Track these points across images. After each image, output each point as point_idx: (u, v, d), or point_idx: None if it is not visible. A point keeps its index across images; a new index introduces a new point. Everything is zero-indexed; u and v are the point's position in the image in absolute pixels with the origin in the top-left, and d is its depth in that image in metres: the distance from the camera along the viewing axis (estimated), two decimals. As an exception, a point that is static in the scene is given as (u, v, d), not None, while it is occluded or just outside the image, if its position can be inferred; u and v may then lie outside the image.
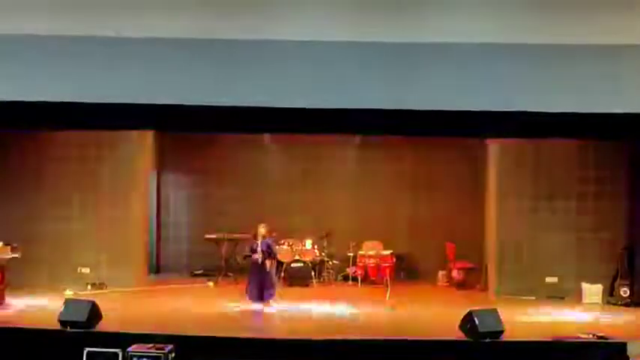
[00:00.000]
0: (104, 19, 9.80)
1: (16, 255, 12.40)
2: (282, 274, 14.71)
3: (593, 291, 13.43)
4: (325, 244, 15.42)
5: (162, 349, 9.10)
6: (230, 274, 15.05)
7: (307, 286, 14.64)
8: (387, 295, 13.42)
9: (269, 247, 12.46)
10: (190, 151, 16.21)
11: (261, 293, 12.30)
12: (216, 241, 15.27)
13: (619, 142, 13.41)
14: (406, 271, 15.75)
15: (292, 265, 14.81)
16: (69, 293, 12.83)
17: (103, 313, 10.33)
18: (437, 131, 12.67)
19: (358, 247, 15.28)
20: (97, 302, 10.39)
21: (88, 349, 9.27)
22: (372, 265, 14.98)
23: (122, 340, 9.38)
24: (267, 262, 12.35)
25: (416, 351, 9.61)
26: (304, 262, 14.87)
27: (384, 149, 15.88)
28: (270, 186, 16.08)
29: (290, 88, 9.94)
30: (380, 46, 9.76)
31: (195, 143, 15.85)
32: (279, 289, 13.09)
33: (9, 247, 12.31)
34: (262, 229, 12.50)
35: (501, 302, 12.12)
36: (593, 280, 13.53)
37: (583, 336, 10.04)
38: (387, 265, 14.89)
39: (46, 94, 9.97)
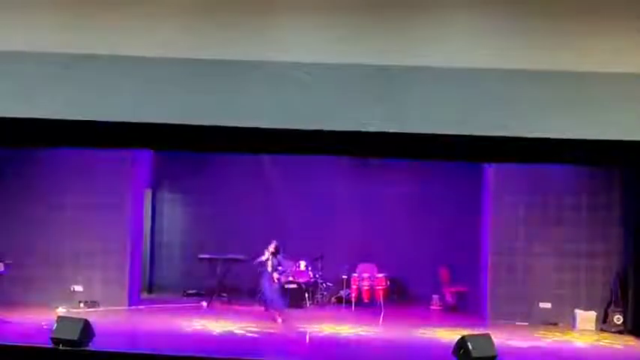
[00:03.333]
0: (101, 37, 9.84)
1: (9, 272, 12.37)
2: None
3: (586, 317, 13.43)
4: (319, 266, 15.40)
5: (153, 368, 9.09)
6: (224, 294, 15.02)
7: (301, 307, 14.61)
8: (381, 318, 13.40)
9: (279, 262, 13.48)
10: (186, 171, 16.22)
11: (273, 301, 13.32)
12: (210, 261, 15.23)
13: (613, 169, 13.48)
14: (400, 294, 15.73)
15: (286, 286, 14.78)
16: (61, 311, 12.79)
17: (95, 332, 10.29)
18: (432, 155, 12.71)
19: (352, 269, 15.26)
20: (90, 320, 10.35)
21: (79, 367, 9.25)
22: (365, 287, 14.95)
23: (114, 359, 9.34)
24: (275, 275, 13.33)
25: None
26: (298, 284, 14.85)
27: (379, 171, 15.89)
28: (264, 207, 16.07)
29: (285, 109, 9.97)
30: (376, 68, 9.80)
31: (191, 162, 15.86)
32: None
33: (2, 264, 12.27)
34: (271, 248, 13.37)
35: (494, 327, 12.11)
36: (586, 307, 13.55)
37: (575, 363, 10.04)
38: (380, 287, 14.86)
39: (42, 112, 9.98)
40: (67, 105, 9.98)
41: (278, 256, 13.39)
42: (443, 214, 15.75)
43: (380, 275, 15.06)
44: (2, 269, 12.40)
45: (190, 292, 15.66)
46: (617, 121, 9.84)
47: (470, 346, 9.72)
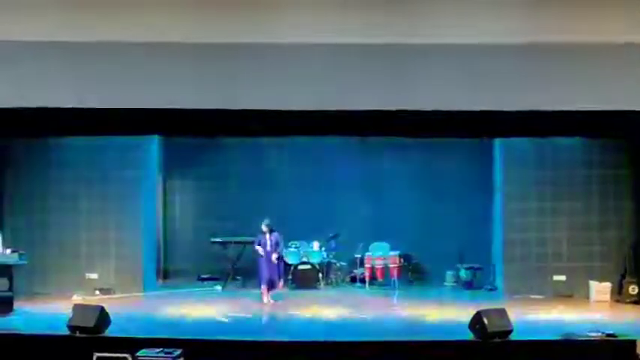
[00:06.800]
0: (107, 24, 9.83)
1: (24, 261, 12.43)
2: (290, 277, 14.72)
3: (601, 289, 13.41)
4: (333, 245, 15.40)
5: (170, 353, 9.11)
6: (238, 277, 15.05)
7: (314, 288, 14.63)
8: (395, 296, 13.42)
9: (277, 242, 13.28)
10: (196, 156, 16.19)
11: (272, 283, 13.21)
12: (223, 245, 15.26)
13: (623, 141, 13.41)
14: (414, 272, 15.71)
15: (299, 267, 14.80)
16: (77, 299, 12.86)
17: (111, 318, 10.36)
18: (442, 132, 12.69)
19: (365, 248, 15.25)
20: (105, 307, 10.41)
21: (97, 354, 9.31)
22: (379, 266, 14.93)
23: (131, 344, 9.40)
24: (274, 256, 13.17)
25: (425, 352, 9.59)
26: (311, 265, 14.86)
27: (391, 150, 15.84)
28: (276, 188, 16.04)
29: (295, 90, 9.96)
30: (382, 47, 9.76)
31: (201, 147, 15.84)
32: (285, 291, 13.47)
33: (17, 254, 12.33)
34: (264, 227, 13.24)
35: (509, 302, 12.11)
36: (601, 278, 13.51)
37: (592, 334, 10.01)
38: (394, 266, 14.84)
39: (51, 101, 10.00)
40: (75, 94, 10.00)
41: (274, 234, 13.26)
42: (455, 190, 15.69)
43: (393, 254, 15.02)
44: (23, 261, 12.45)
45: (205, 276, 15.69)
46: (628, 93, 9.79)
47: (486, 321, 9.73)
